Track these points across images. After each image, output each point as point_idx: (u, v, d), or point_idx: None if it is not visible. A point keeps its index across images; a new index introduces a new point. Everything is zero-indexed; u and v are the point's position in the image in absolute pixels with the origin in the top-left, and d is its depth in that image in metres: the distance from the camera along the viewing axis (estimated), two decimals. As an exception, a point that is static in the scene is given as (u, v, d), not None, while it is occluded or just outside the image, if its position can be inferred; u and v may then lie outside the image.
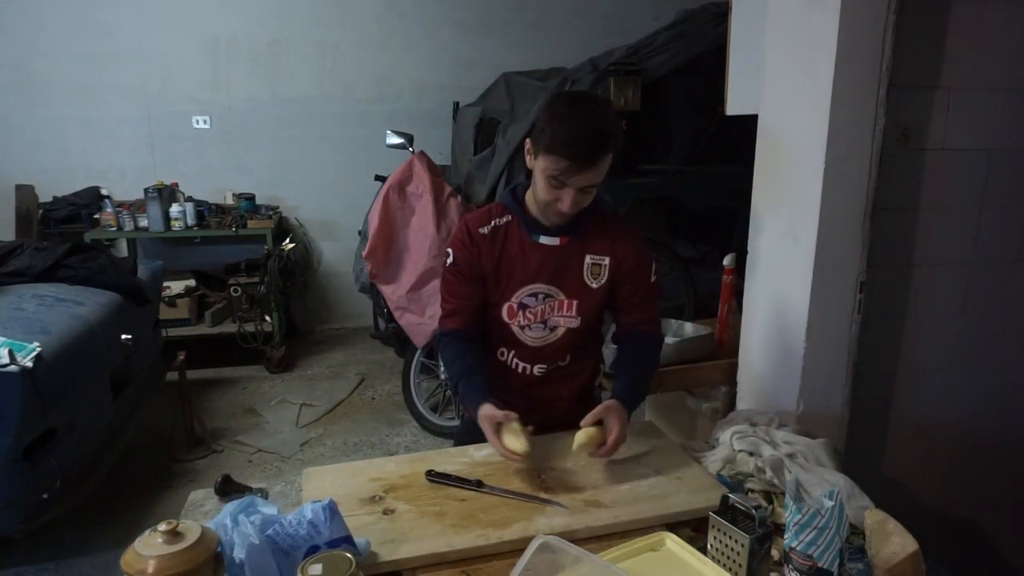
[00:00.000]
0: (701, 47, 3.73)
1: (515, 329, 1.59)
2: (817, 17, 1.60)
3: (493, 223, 1.57)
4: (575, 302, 1.56)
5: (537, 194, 1.48)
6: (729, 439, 1.49)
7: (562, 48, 4.90)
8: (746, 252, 1.93)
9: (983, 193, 1.84)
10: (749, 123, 1.88)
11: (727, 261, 2.18)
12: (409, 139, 3.71)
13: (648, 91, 3.72)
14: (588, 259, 1.56)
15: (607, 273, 1.57)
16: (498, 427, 1.42)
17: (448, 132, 4.62)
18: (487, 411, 1.43)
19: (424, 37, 4.92)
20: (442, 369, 3.50)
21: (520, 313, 1.57)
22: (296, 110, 4.83)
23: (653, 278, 1.63)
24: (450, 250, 1.59)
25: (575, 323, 1.58)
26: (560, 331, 1.59)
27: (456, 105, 4.57)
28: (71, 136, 4.59)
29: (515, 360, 1.63)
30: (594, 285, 1.57)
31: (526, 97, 3.95)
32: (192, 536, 0.99)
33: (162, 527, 1.00)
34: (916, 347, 1.89)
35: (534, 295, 1.56)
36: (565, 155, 1.39)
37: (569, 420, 1.58)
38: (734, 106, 2.09)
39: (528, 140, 1.47)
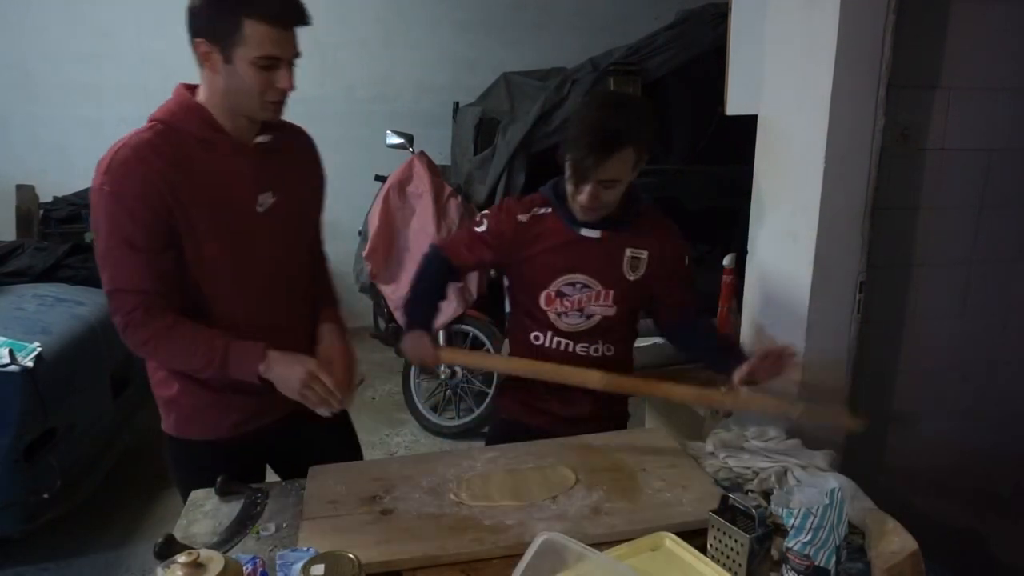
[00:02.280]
0: (701, 47, 3.72)
1: (552, 316, 1.62)
2: (817, 17, 1.60)
3: (533, 212, 1.61)
4: (612, 292, 1.60)
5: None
6: (722, 459, 1.49)
7: (562, 48, 4.90)
8: (746, 252, 1.93)
9: (983, 193, 1.84)
10: (749, 123, 1.88)
11: (727, 261, 2.18)
12: (409, 139, 3.71)
13: (648, 91, 3.72)
14: (628, 252, 1.60)
15: (645, 266, 1.61)
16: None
17: (448, 132, 4.62)
18: (423, 336, 1.57)
19: (424, 37, 4.92)
20: (443, 369, 3.50)
21: (558, 300, 1.60)
22: (296, 110, 4.80)
23: (688, 265, 1.69)
24: (485, 220, 1.65)
25: (611, 311, 1.61)
26: (596, 319, 1.62)
27: (456, 105, 4.57)
28: (71, 136, 4.58)
29: (554, 339, 1.65)
30: (632, 277, 1.61)
31: (526, 97, 3.95)
32: (215, 567, 0.95)
33: (182, 559, 0.95)
34: (916, 347, 1.89)
35: (572, 284, 1.59)
36: (577, 148, 1.45)
37: (593, 415, 1.67)
38: (734, 106, 2.09)
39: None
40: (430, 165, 3.49)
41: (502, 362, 1.53)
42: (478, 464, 1.47)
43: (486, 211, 1.68)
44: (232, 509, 1.36)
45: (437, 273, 1.71)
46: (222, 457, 1.47)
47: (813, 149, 1.64)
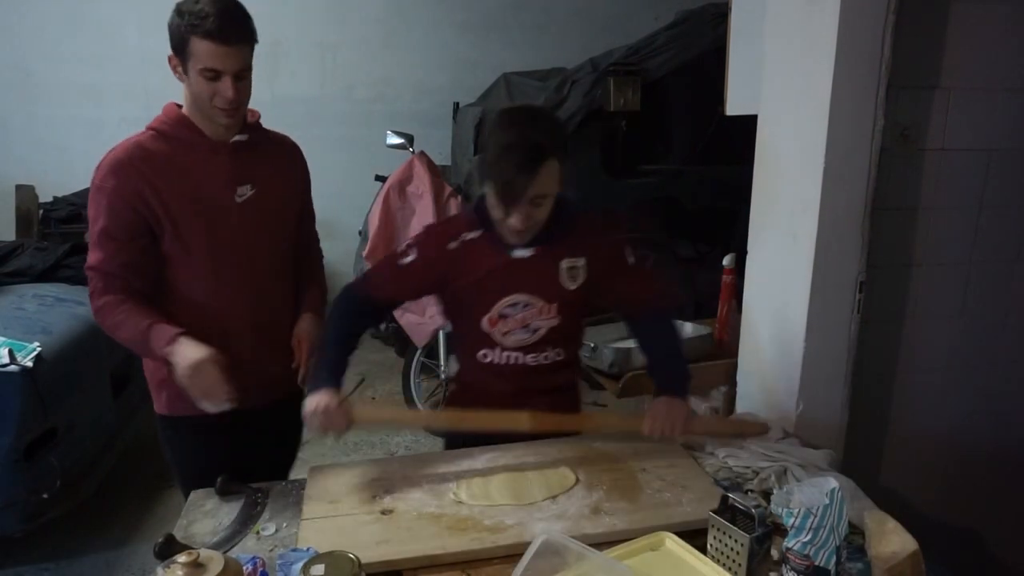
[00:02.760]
0: (701, 47, 3.73)
1: (497, 336, 1.57)
2: (817, 17, 1.60)
3: (462, 238, 1.53)
4: (554, 305, 1.56)
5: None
6: (721, 459, 1.49)
7: (562, 48, 4.90)
8: (746, 252, 1.93)
9: (983, 193, 1.84)
10: (749, 123, 1.88)
11: (727, 261, 2.19)
12: (409, 139, 3.71)
13: (648, 91, 3.72)
14: (564, 264, 1.54)
15: (584, 273, 1.56)
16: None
17: (448, 132, 4.62)
18: (327, 397, 1.41)
19: (425, 38, 4.92)
20: (443, 368, 3.50)
21: (500, 321, 1.55)
22: (297, 110, 4.83)
23: (631, 259, 1.60)
24: (412, 250, 1.55)
25: (555, 321, 1.58)
26: (542, 331, 1.58)
27: (456, 105, 4.57)
28: (71, 136, 4.59)
29: (502, 354, 1.60)
30: (572, 287, 1.56)
31: (526, 97, 3.95)
32: (215, 567, 0.95)
33: (182, 559, 0.96)
34: (915, 347, 1.89)
35: (513, 305, 1.54)
36: (501, 171, 1.38)
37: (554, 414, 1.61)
38: (734, 106, 2.09)
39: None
40: (430, 165, 3.49)
41: (424, 416, 1.44)
42: (478, 464, 1.47)
43: (411, 241, 1.58)
44: (232, 509, 1.36)
45: (350, 320, 1.58)
46: (212, 434, 1.57)
47: (813, 149, 1.64)
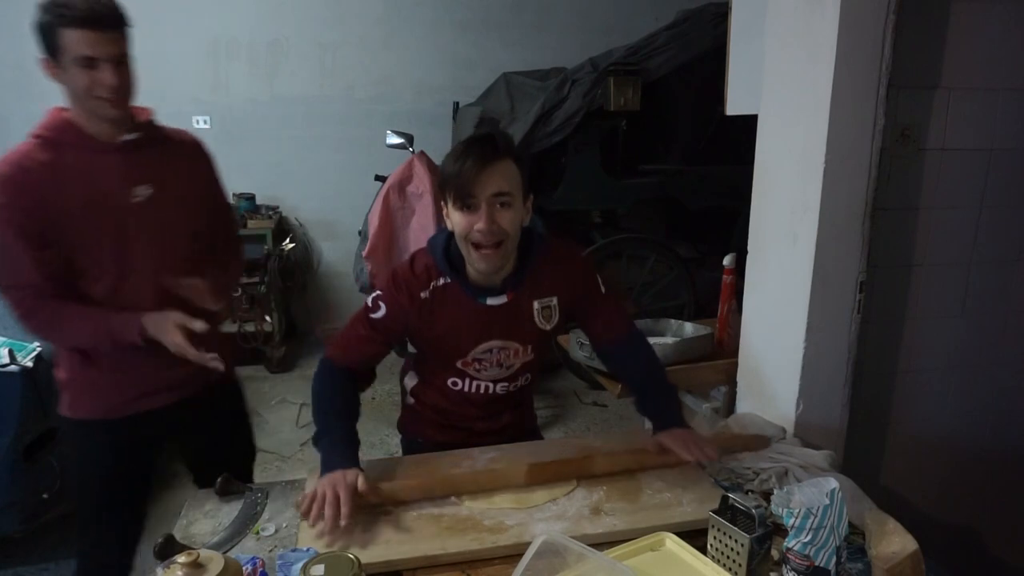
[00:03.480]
0: (701, 47, 3.73)
1: (471, 372, 1.57)
2: (817, 17, 1.60)
3: (432, 285, 1.48)
4: (530, 345, 1.56)
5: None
6: (721, 460, 1.49)
7: (562, 48, 4.90)
8: (746, 252, 1.93)
9: (983, 193, 1.84)
10: (749, 123, 1.88)
11: (727, 261, 2.18)
12: (409, 139, 3.71)
13: (648, 91, 3.72)
14: (536, 304, 1.53)
15: (558, 312, 1.56)
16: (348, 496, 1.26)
17: (448, 132, 4.62)
18: (351, 477, 1.30)
19: (424, 37, 4.92)
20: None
21: (475, 363, 1.55)
22: (296, 110, 4.83)
23: (603, 289, 1.60)
24: (382, 303, 1.49)
25: (530, 357, 1.59)
26: (516, 366, 1.58)
27: (456, 105, 4.57)
28: (71, 136, 4.59)
29: (473, 383, 1.58)
30: (548, 327, 1.56)
31: (526, 97, 3.95)
32: (215, 567, 0.95)
33: (182, 559, 0.96)
34: (916, 347, 1.89)
35: (489, 351, 1.54)
36: (457, 172, 1.36)
37: (508, 425, 1.67)
38: (734, 106, 2.09)
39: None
40: (430, 165, 3.49)
41: (439, 483, 1.35)
42: (478, 464, 1.47)
43: (378, 293, 1.50)
44: (232, 509, 1.36)
45: (342, 390, 1.53)
46: (115, 436, 1.60)
47: (813, 149, 1.63)
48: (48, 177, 1.44)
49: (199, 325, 1.45)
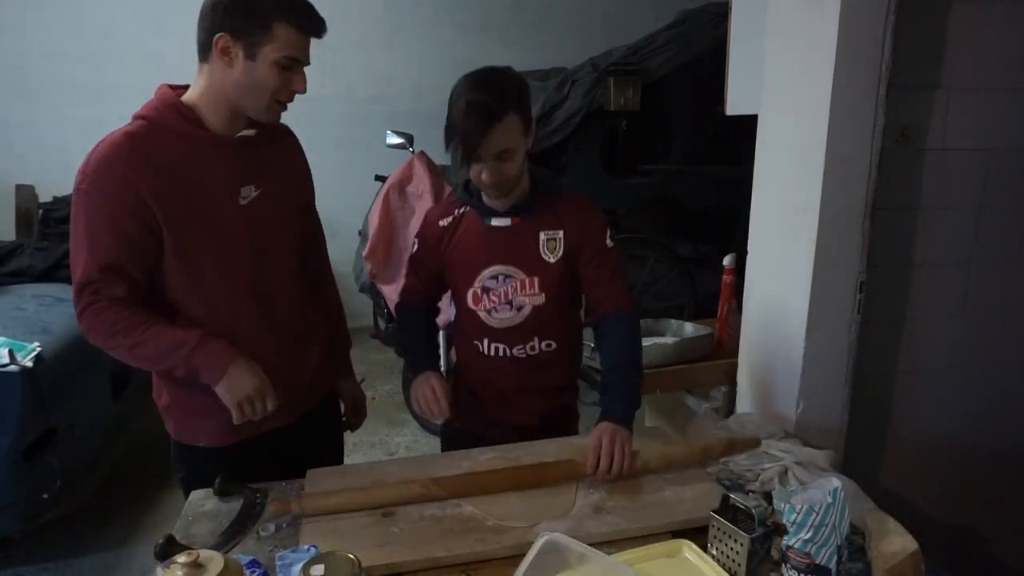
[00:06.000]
0: (701, 47, 3.73)
1: (482, 315, 1.58)
2: (817, 17, 1.60)
3: (454, 214, 1.61)
4: (536, 279, 1.56)
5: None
6: (722, 460, 1.49)
7: (562, 48, 4.90)
8: (746, 252, 1.93)
9: (983, 193, 1.84)
10: (749, 123, 1.88)
11: (727, 261, 2.18)
12: (409, 139, 3.71)
13: (648, 91, 3.72)
14: (543, 235, 1.56)
15: (563, 246, 1.56)
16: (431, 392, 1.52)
17: (448, 132, 4.62)
18: (433, 379, 1.53)
19: (425, 37, 4.92)
20: (442, 366, 3.50)
21: (484, 297, 1.57)
22: (296, 110, 4.81)
23: (610, 243, 1.59)
24: (416, 241, 1.66)
25: (540, 300, 1.57)
26: (527, 310, 1.57)
27: (456, 105, 4.57)
28: (71, 136, 4.58)
29: (491, 345, 1.60)
30: (552, 260, 1.56)
31: (526, 97, 3.95)
32: (215, 567, 0.95)
33: (182, 559, 0.95)
34: (916, 347, 1.89)
35: (495, 277, 1.56)
36: (457, 131, 1.42)
37: (543, 424, 1.63)
38: (734, 106, 2.09)
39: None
40: (430, 165, 3.49)
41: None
42: (479, 467, 1.47)
43: (419, 230, 1.68)
44: (232, 509, 1.36)
45: (416, 317, 1.70)
46: (222, 461, 1.46)
47: (813, 149, 1.64)
48: (148, 165, 1.30)
49: (271, 406, 1.37)
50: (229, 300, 1.42)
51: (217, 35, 1.29)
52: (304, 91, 1.39)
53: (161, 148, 1.33)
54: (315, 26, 1.36)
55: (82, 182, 1.31)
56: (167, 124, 1.35)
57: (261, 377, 1.37)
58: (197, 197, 1.35)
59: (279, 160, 1.53)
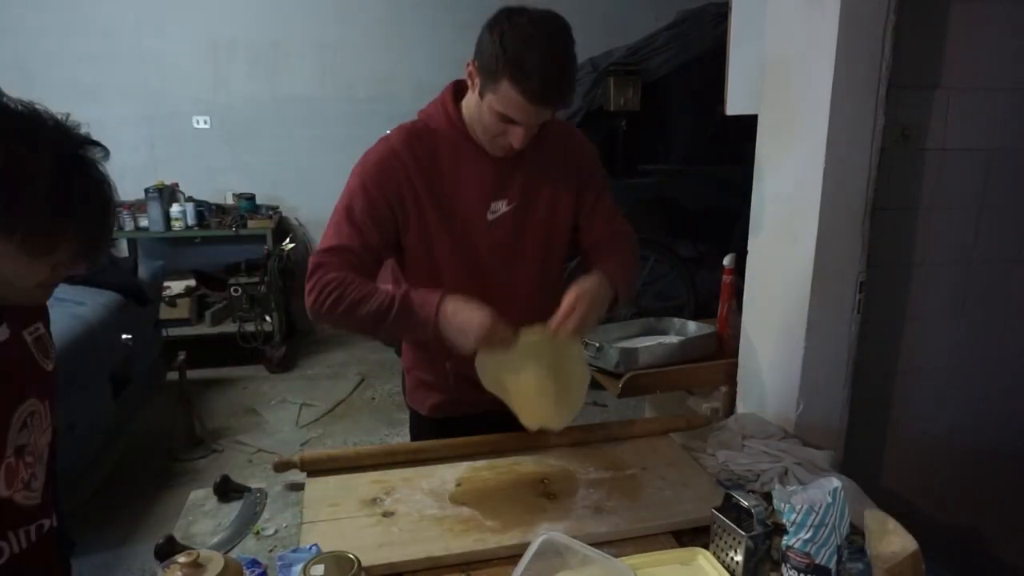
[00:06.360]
0: (701, 47, 3.74)
1: None
2: (817, 17, 1.60)
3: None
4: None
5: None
6: (721, 462, 1.49)
7: (562, 48, 4.90)
8: (746, 252, 1.93)
9: (983, 193, 1.84)
10: (749, 123, 1.88)
11: (727, 261, 2.18)
12: (409, 139, 3.71)
13: (648, 91, 3.73)
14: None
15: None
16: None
17: (448, 132, 4.62)
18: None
19: (424, 37, 4.92)
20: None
21: None
22: (296, 110, 4.83)
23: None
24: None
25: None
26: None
27: (456, 105, 4.57)
28: (71, 136, 4.59)
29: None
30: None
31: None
32: (215, 567, 0.95)
33: (182, 559, 0.95)
34: (916, 347, 1.89)
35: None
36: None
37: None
38: (734, 106, 2.09)
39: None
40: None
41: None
42: (479, 465, 1.47)
43: None
44: (232, 509, 1.36)
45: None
46: (430, 431, 1.58)
47: (813, 149, 1.64)
48: (416, 165, 1.37)
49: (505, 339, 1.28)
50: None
51: (472, 60, 1.34)
52: (518, 146, 1.34)
53: (430, 149, 1.39)
54: (544, 97, 1.25)
55: (357, 165, 1.42)
56: (438, 127, 1.41)
57: (483, 309, 1.28)
58: (450, 205, 1.40)
59: (546, 172, 1.46)
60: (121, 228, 4.27)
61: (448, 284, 1.38)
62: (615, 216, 1.57)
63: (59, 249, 0.93)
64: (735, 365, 2.01)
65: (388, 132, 1.41)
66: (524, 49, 1.22)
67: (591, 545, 1.10)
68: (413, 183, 1.38)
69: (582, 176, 1.52)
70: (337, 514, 1.30)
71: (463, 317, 1.28)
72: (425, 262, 1.44)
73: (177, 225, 4.32)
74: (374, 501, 1.34)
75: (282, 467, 1.41)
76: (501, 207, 1.42)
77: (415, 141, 1.39)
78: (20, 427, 1.01)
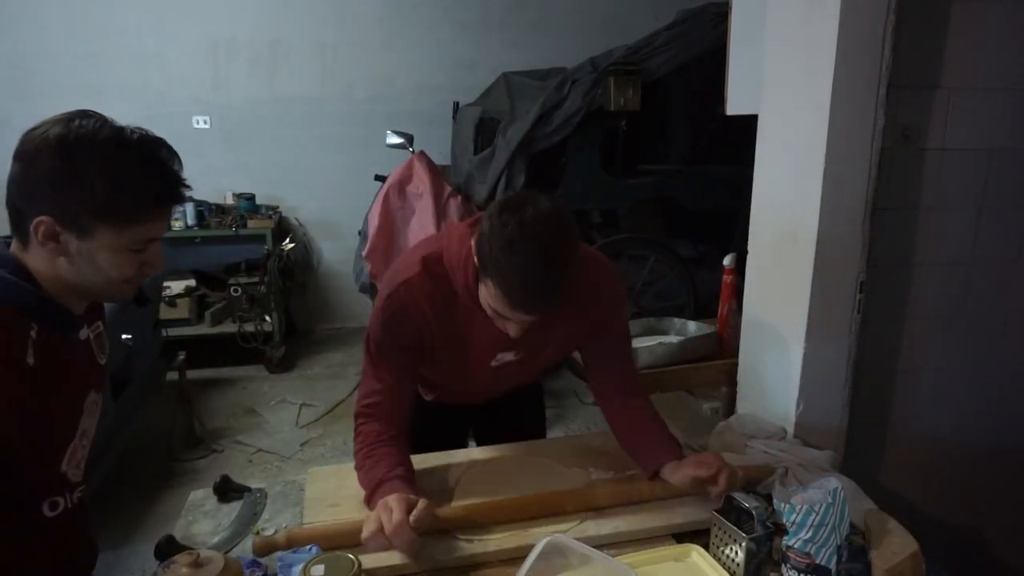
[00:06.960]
0: (701, 47, 3.73)
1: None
2: (817, 17, 1.60)
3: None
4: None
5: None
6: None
7: (562, 48, 4.90)
8: (746, 252, 1.93)
9: (983, 193, 1.84)
10: (749, 123, 1.88)
11: (727, 261, 2.18)
12: (409, 139, 3.72)
13: (648, 91, 3.72)
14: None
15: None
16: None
17: (448, 132, 4.62)
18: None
19: (424, 37, 4.92)
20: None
21: None
22: (296, 110, 4.83)
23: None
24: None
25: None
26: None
27: (456, 105, 4.57)
28: (71, 136, 4.58)
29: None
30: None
31: (526, 97, 3.95)
32: (215, 567, 0.96)
33: (182, 559, 0.96)
34: (916, 347, 1.89)
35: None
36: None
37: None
38: (734, 106, 2.09)
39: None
40: (430, 165, 3.49)
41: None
42: (479, 465, 1.47)
43: None
44: (232, 509, 1.36)
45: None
46: (427, 415, 1.61)
47: (813, 149, 1.64)
48: (434, 313, 1.36)
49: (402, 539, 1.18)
50: None
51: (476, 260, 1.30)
52: (514, 336, 1.31)
53: (447, 298, 1.36)
54: (526, 307, 1.22)
55: (382, 306, 1.39)
56: (458, 284, 1.33)
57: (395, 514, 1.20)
58: (458, 353, 1.43)
59: (557, 328, 1.42)
60: (121, 228, 4.26)
61: (438, 384, 1.58)
62: (629, 362, 1.60)
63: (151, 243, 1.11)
64: (735, 365, 2.01)
65: (416, 261, 1.36)
66: (511, 255, 1.15)
67: (592, 547, 1.10)
68: (431, 328, 1.38)
69: (596, 329, 1.49)
70: (337, 515, 1.30)
71: (372, 515, 1.20)
72: (425, 381, 1.58)
73: (177, 225, 4.32)
74: (374, 501, 1.33)
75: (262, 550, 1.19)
76: (507, 357, 1.44)
77: (435, 292, 1.35)
78: (85, 415, 1.14)
